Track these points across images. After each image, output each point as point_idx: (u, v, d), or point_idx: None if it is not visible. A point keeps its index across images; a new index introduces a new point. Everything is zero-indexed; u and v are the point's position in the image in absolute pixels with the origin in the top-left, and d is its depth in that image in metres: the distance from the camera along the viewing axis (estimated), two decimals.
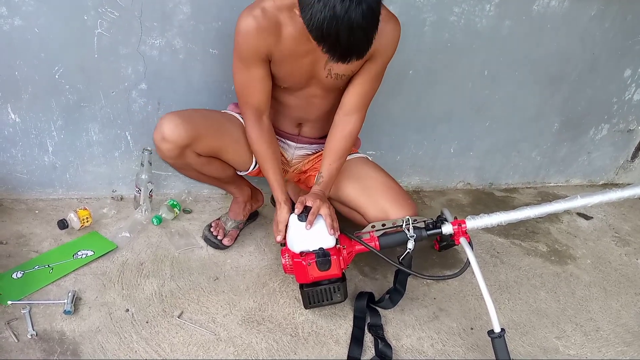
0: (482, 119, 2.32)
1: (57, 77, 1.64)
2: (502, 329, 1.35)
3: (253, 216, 1.92)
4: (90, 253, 1.61)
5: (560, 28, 2.14)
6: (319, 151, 1.74)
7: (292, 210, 1.46)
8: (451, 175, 2.46)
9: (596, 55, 2.29)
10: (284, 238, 1.47)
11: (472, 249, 1.40)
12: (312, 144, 1.73)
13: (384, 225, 1.46)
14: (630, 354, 1.59)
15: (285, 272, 1.47)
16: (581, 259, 2.07)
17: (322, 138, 1.72)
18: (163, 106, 1.79)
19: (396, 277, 1.53)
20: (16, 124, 1.69)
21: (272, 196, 2.06)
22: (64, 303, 1.40)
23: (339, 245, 1.43)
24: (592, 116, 2.52)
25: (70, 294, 1.43)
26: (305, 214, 1.40)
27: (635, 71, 2.42)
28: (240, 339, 1.42)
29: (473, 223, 1.43)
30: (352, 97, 1.52)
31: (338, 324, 1.53)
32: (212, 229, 1.77)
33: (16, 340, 1.29)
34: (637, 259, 2.12)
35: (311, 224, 1.39)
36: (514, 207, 2.35)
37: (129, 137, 1.82)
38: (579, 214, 2.43)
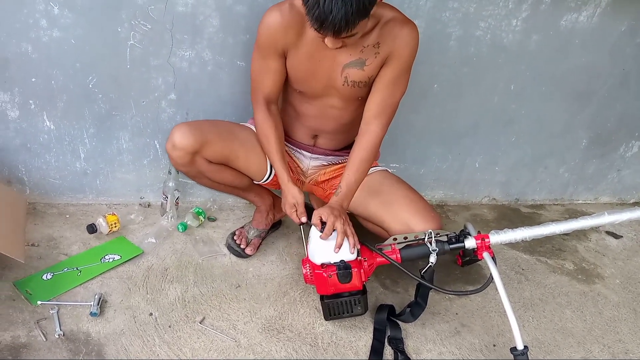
0: (508, 133, 2.30)
1: (90, 86, 1.70)
2: (525, 347, 1.33)
3: (276, 225, 1.94)
4: (117, 257, 1.65)
5: (589, 43, 2.11)
6: (336, 163, 1.73)
7: (302, 193, 1.52)
8: (476, 189, 2.43)
9: (626, 70, 2.26)
10: (307, 217, 1.48)
11: (496, 264, 1.39)
12: (327, 155, 1.73)
13: (406, 238, 1.45)
14: None
15: (306, 282, 1.48)
16: (609, 279, 2.01)
17: (338, 150, 1.73)
18: (191, 116, 1.83)
19: (417, 290, 1.52)
20: (51, 131, 1.76)
21: None
22: (91, 305, 1.44)
23: (360, 257, 1.43)
24: (622, 133, 2.47)
25: (96, 296, 1.47)
26: (324, 224, 1.40)
27: None
28: (260, 346, 1.43)
29: (497, 238, 1.42)
30: (370, 105, 1.51)
31: (358, 335, 1.52)
32: (235, 237, 1.79)
33: (44, 339, 1.33)
34: None
35: (327, 236, 1.40)
36: (540, 224, 2.34)
37: (157, 146, 1.87)
38: (608, 232, 2.37)
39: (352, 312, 1.47)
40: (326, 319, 1.50)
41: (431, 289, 1.46)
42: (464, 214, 2.36)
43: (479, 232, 1.44)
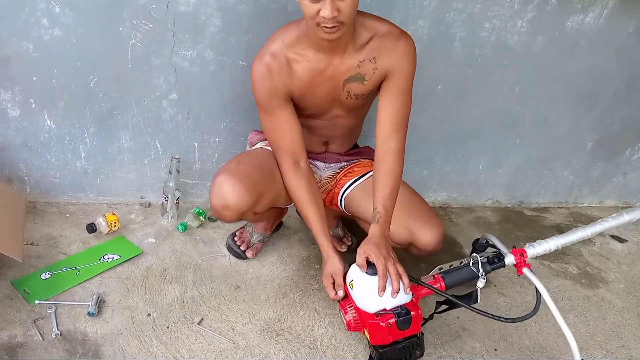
0: (513, 135, 2.28)
1: (91, 85, 1.70)
2: None
3: (277, 227, 1.93)
4: (116, 257, 1.65)
5: (595, 45, 2.09)
6: (345, 167, 1.71)
7: (342, 259, 1.40)
8: (480, 192, 2.41)
9: (633, 73, 2.23)
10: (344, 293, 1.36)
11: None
12: (340, 161, 1.72)
13: (451, 266, 1.38)
14: None
15: (349, 330, 1.34)
16: (614, 283, 1.99)
17: (348, 153, 1.72)
18: (192, 116, 1.82)
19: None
20: (51, 130, 1.75)
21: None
22: (88, 305, 1.43)
23: (413, 297, 1.31)
24: (629, 136, 2.44)
25: (94, 296, 1.46)
26: (371, 266, 1.28)
27: None
28: (258, 348, 1.42)
29: (533, 251, 1.36)
30: (383, 122, 1.45)
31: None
32: (235, 238, 1.78)
33: (41, 339, 1.32)
34: None
35: (384, 290, 1.25)
36: (544, 227, 2.33)
37: (158, 146, 1.87)
38: (613, 237, 2.34)
39: (410, 357, 1.33)
40: None
41: (485, 315, 1.32)
42: (467, 217, 2.34)
43: (514, 247, 1.39)
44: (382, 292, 1.25)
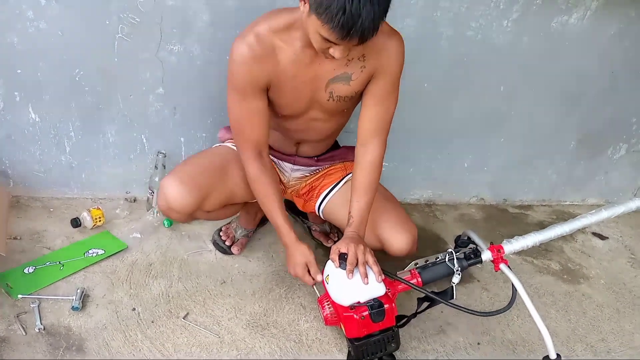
0: (498, 134, 2.30)
1: (77, 79, 1.68)
2: (558, 355, 1.32)
3: (262, 222, 1.93)
4: (101, 252, 1.64)
5: (578, 46, 2.12)
6: (316, 172, 1.67)
7: (311, 249, 1.41)
8: (464, 189, 2.44)
9: (615, 74, 2.27)
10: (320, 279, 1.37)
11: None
12: (309, 165, 1.66)
13: (427, 261, 1.41)
14: None
15: (327, 324, 1.37)
16: (594, 279, 2.03)
17: (319, 158, 1.66)
18: (179, 111, 1.82)
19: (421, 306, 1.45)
20: (36, 124, 1.74)
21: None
22: (72, 299, 1.43)
23: (388, 290, 1.33)
24: (611, 135, 2.49)
25: (78, 290, 1.45)
26: (345, 261, 1.30)
27: None
28: (244, 342, 1.42)
29: (510, 247, 1.38)
30: (365, 124, 1.42)
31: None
32: (221, 234, 1.78)
33: (24, 333, 1.32)
34: None
35: (352, 272, 1.29)
36: (528, 225, 2.36)
37: (144, 140, 1.86)
38: (594, 234, 2.39)
39: (385, 350, 1.36)
40: None
41: (460, 309, 1.35)
42: (452, 214, 2.36)
43: (491, 243, 1.41)
44: (351, 274, 1.28)
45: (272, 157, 1.61)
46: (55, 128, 1.76)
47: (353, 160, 1.50)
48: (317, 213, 1.67)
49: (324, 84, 1.36)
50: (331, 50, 1.17)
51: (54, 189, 1.88)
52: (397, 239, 1.46)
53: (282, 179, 1.67)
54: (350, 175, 1.54)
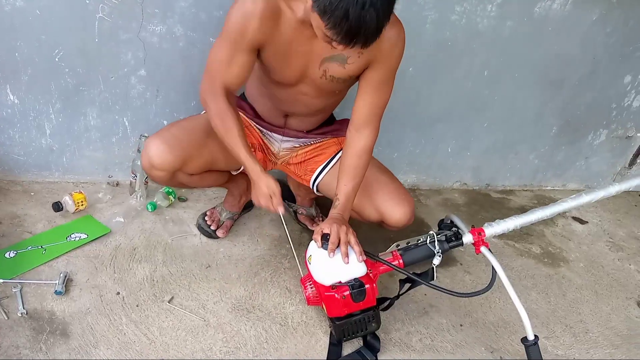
0: (481, 119, 2.32)
1: (57, 60, 1.64)
2: (536, 336, 1.35)
3: (248, 206, 1.93)
4: (83, 236, 1.62)
5: (561, 31, 2.14)
6: (308, 144, 1.67)
7: (277, 182, 1.37)
8: (448, 174, 2.46)
9: (597, 59, 2.30)
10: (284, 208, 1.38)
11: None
12: (298, 137, 1.66)
13: (408, 243, 1.43)
14: (618, 356, 1.60)
15: (309, 304, 1.39)
16: (574, 262, 2.07)
17: (309, 132, 1.66)
18: (162, 93, 1.79)
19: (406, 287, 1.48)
20: (15, 105, 1.70)
21: None
22: (55, 284, 1.41)
23: (369, 271, 1.35)
24: (591, 121, 2.52)
25: (61, 275, 1.44)
26: (327, 241, 1.32)
27: (636, 77, 2.42)
28: (229, 325, 1.43)
29: (491, 230, 1.41)
30: (360, 110, 1.43)
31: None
32: (206, 218, 1.77)
33: (6, 318, 1.30)
34: (629, 264, 2.12)
35: (333, 252, 1.31)
36: (510, 209, 2.39)
37: (126, 123, 1.83)
38: (575, 218, 2.43)
39: (366, 329, 1.39)
40: (340, 341, 1.42)
41: (440, 290, 1.38)
42: (436, 198, 2.38)
43: (472, 226, 1.43)
44: (332, 253, 1.31)
45: (261, 128, 1.64)
46: (35, 110, 1.72)
47: (343, 134, 1.54)
48: (311, 188, 1.68)
49: (319, 60, 1.35)
50: (334, 44, 1.15)
51: (35, 173, 1.84)
52: (397, 211, 1.48)
53: (272, 149, 1.68)
54: None
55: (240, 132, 1.37)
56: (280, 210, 1.37)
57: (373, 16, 1.04)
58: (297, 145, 1.68)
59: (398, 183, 1.58)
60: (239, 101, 1.62)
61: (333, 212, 1.42)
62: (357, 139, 1.45)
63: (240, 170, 1.66)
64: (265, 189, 1.37)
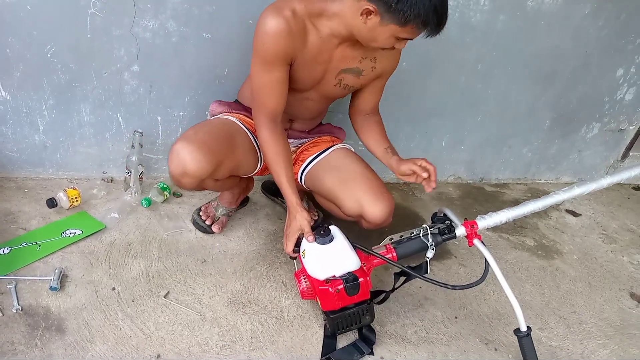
0: (474, 113, 2.33)
1: (49, 55, 1.63)
2: (529, 327, 1.36)
3: (243, 202, 1.93)
4: (78, 232, 1.61)
5: (554, 25, 2.15)
6: (305, 142, 1.73)
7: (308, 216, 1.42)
8: (442, 168, 2.47)
9: (589, 53, 2.31)
10: (293, 250, 1.42)
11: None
12: (301, 138, 1.73)
13: (401, 236, 1.43)
14: (611, 346, 1.61)
15: (303, 298, 1.40)
16: (568, 255, 2.09)
17: (310, 132, 1.74)
18: (155, 89, 1.79)
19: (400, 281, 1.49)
20: (7, 102, 1.69)
21: (262, 183, 2.07)
22: (50, 280, 1.41)
23: (363, 264, 1.36)
24: (584, 114, 2.54)
25: (56, 271, 1.43)
26: (320, 235, 1.34)
27: (628, 71, 2.43)
28: (225, 320, 1.43)
29: (484, 223, 1.41)
30: (368, 104, 1.63)
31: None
32: (201, 214, 1.77)
33: (1, 314, 1.29)
34: (622, 256, 2.14)
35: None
36: (503, 202, 2.41)
37: (120, 119, 1.82)
38: (568, 211, 2.45)
39: (360, 322, 1.40)
40: (334, 334, 1.42)
41: (434, 283, 1.39)
42: (430, 192, 2.39)
43: (465, 219, 1.44)
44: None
45: None
46: (28, 107, 1.71)
47: (337, 136, 1.75)
48: (298, 180, 1.70)
49: (336, 71, 1.48)
50: (398, 45, 1.33)
51: (28, 169, 1.84)
52: (377, 206, 1.50)
53: None
54: (337, 145, 1.70)
55: (287, 162, 1.46)
56: (288, 249, 1.44)
57: (446, 6, 1.25)
58: (298, 146, 1.74)
59: (380, 181, 1.59)
60: (241, 107, 1.66)
61: (395, 158, 1.56)
62: (374, 121, 1.66)
63: (252, 174, 1.68)
64: (302, 221, 1.41)
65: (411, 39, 1.31)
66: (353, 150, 1.73)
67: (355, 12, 1.27)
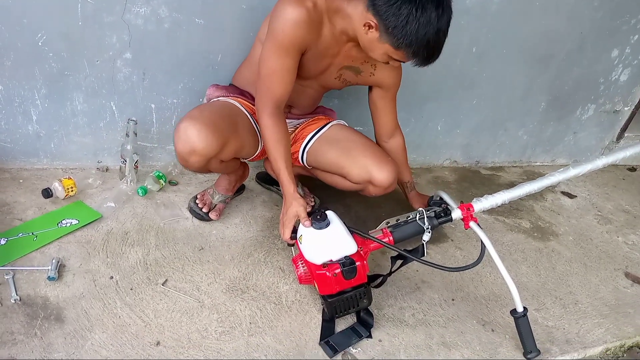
0: (470, 96, 2.33)
1: (40, 44, 1.61)
2: (525, 308, 1.38)
3: (239, 190, 1.93)
4: (74, 222, 1.61)
5: (548, 6, 2.14)
6: (302, 123, 1.78)
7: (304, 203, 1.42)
8: (438, 152, 2.47)
9: (584, 34, 2.30)
10: (290, 237, 1.41)
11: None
12: (299, 118, 1.77)
13: (398, 220, 1.44)
14: (606, 325, 1.63)
15: (301, 283, 1.41)
16: (563, 236, 2.10)
17: (307, 114, 1.79)
18: (148, 76, 1.77)
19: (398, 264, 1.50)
20: None
21: (257, 173, 2.06)
22: (48, 270, 1.41)
23: (360, 248, 1.36)
24: (579, 96, 2.54)
25: (54, 260, 1.43)
26: (317, 220, 1.34)
27: (623, 52, 2.43)
28: (224, 306, 1.44)
29: (480, 205, 1.42)
30: (387, 124, 1.75)
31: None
32: (197, 201, 1.77)
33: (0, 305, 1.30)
34: (617, 237, 2.16)
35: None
36: (499, 186, 2.41)
37: (114, 107, 1.81)
38: (563, 193, 2.46)
39: (358, 306, 1.40)
40: (332, 318, 1.43)
41: (430, 265, 1.40)
42: (427, 176, 2.40)
43: (461, 202, 1.45)
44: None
45: None
46: (20, 96, 1.70)
47: (330, 116, 1.82)
48: (299, 159, 1.74)
49: (340, 66, 1.55)
50: (391, 62, 1.40)
51: (23, 160, 1.82)
52: (383, 173, 1.57)
53: None
54: (334, 122, 1.76)
55: (286, 150, 1.47)
56: (285, 237, 1.42)
57: (444, 39, 1.30)
58: (297, 126, 1.78)
59: (382, 149, 1.70)
60: (237, 91, 1.68)
61: (413, 193, 1.88)
62: (394, 143, 1.79)
63: (250, 159, 1.72)
64: (298, 207, 1.41)
65: (403, 62, 1.39)
66: (347, 124, 1.78)
67: (361, 20, 1.32)
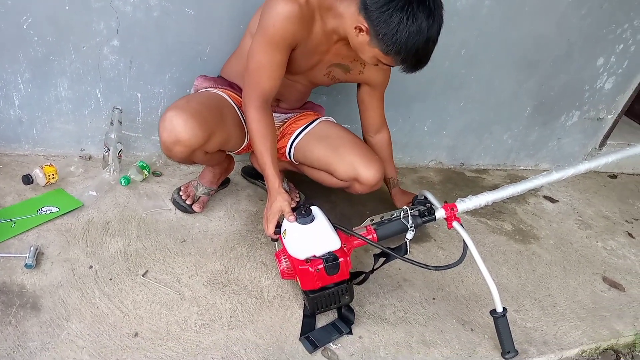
0: (457, 98, 2.34)
1: (25, 27, 1.58)
2: (504, 309, 1.39)
3: (223, 183, 1.91)
4: (55, 209, 1.58)
5: (538, 12, 2.16)
6: (290, 118, 1.78)
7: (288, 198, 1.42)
8: (424, 153, 2.48)
9: (572, 41, 2.33)
10: (274, 232, 1.41)
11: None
12: (287, 113, 1.76)
13: (382, 217, 1.44)
14: (583, 328, 1.66)
15: (283, 278, 1.40)
16: (544, 239, 2.13)
17: (295, 109, 1.79)
18: (135, 65, 1.75)
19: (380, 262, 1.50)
20: None
21: (242, 168, 2.05)
22: (26, 257, 1.38)
23: (343, 245, 1.36)
24: (564, 102, 2.57)
25: (32, 248, 1.41)
26: (301, 216, 1.34)
27: (608, 60, 2.47)
28: (204, 299, 1.42)
29: (463, 205, 1.43)
30: (374, 119, 1.77)
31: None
32: (181, 193, 1.75)
33: None
34: (597, 242, 2.19)
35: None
36: (483, 188, 2.43)
37: (99, 95, 1.78)
38: (545, 197, 2.49)
39: (339, 302, 1.41)
40: (313, 314, 1.43)
41: (413, 263, 1.40)
42: (412, 177, 2.40)
43: (445, 202, 1.45)
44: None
45: None
46: (2, 79, 1.66)
47: (318, 112, 1.81)
48: (286, 155, 1.74)
49: (329, 64, 1.55)
50: (380, 65, 1.39)
51: (3, 145, 1.78)
52: (370, 170, 1.58)
53: None
54: (322, 118, 1.76)
55: (272, 144, 1.46)
56: (269, 232, 1.42)
57: (433, 47, 1.31)
58: (285, 121, 1.77)
59: (369, 147, 1.71)
60: (226, 83, 1.66)
61: (396, 189, 1.89)
62: (379, 138, 1.81)
63: (236, 152, 1.71)
64: (282, 202, 1.40)
65: (392, 66, 1.40)
66: (335, 121, 1.78)
67: (352, 22, 1.34)
